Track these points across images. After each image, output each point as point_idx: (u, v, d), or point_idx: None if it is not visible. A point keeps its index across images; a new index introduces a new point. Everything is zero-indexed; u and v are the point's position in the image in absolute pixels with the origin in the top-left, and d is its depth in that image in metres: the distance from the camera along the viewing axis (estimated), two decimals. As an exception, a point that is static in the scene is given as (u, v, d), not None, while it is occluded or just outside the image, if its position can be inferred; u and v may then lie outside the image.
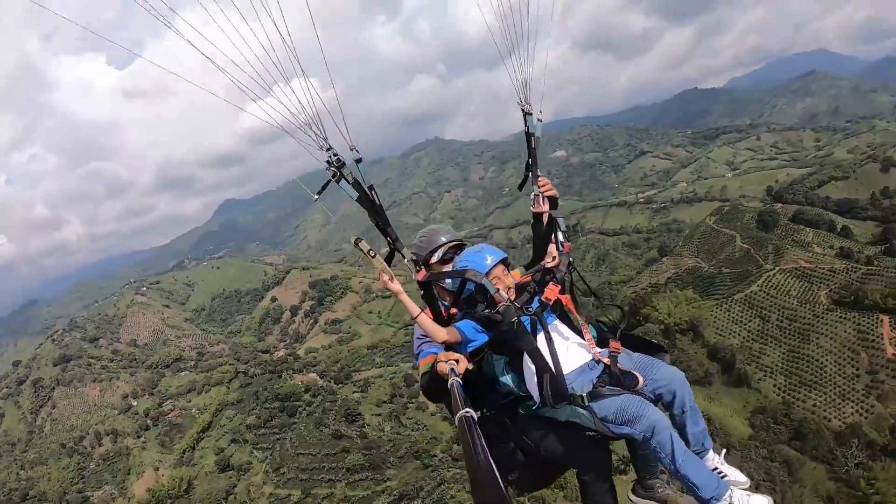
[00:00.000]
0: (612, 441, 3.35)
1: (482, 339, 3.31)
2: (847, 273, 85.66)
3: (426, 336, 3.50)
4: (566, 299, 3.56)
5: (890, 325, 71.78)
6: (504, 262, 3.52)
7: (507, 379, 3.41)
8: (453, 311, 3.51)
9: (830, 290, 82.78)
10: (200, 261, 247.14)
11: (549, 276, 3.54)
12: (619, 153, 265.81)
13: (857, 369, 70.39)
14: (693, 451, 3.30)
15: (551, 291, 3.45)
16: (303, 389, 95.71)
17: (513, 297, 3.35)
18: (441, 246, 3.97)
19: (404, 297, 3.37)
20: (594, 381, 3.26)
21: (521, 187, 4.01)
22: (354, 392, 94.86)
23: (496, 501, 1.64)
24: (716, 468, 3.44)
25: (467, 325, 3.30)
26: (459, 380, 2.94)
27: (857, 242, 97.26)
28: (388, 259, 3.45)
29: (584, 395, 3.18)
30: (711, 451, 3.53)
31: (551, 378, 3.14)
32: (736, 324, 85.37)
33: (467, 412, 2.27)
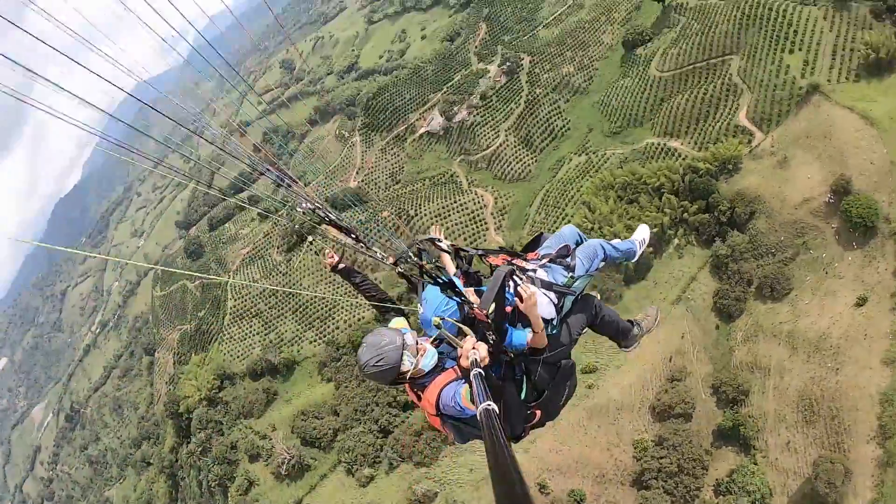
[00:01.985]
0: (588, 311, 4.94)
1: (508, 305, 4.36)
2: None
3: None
4: (502, 258, 4.78)
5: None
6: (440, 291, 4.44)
7: (523, 332, 4.32)
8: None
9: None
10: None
11: (464, 263, 4.94)
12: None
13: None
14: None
15: (496, 260, 4.70)
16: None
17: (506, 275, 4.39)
18: (400, 361, 3.85)
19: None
20: (563, 271, 4.70)
21: (334, 269, 5.09)
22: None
23: (518, 498, 1.56)
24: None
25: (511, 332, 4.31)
26: (482, 371, 3.03)
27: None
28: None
29: (569, 276, 4.66)
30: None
31: (561, 287, 4.56)
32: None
33: (489, 405, 2.25)
